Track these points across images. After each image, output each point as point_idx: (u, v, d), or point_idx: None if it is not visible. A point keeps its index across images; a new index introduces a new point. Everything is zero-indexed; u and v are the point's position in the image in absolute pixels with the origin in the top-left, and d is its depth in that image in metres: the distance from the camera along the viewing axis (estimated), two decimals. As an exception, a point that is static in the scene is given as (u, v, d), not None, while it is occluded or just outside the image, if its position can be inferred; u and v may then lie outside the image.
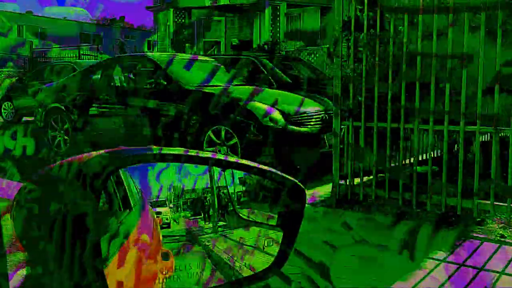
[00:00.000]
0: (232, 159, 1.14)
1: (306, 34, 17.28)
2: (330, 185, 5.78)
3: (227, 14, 19.08)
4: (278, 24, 16.09)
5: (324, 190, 5.77)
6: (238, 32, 19.04)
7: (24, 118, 14.20)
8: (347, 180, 5.16)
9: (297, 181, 1.08)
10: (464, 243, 4.03)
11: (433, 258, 3.70)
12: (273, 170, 1.07)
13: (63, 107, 8.27)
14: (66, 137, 8.23)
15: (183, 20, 18.27)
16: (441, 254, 3.77)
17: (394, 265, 3.63)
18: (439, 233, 4.23)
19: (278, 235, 1.10)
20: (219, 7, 17.73)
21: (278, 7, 15.99)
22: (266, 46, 14.90)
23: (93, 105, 7.89)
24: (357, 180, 5.16)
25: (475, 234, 4.20)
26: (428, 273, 3.43)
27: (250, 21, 18.89)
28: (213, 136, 6.51)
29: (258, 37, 18.09)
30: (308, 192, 5.65)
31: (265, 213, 1.19)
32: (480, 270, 3.49)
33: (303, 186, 1.08)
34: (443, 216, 4.49)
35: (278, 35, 16.00)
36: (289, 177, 1.07)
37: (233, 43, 18.51)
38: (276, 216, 1.14)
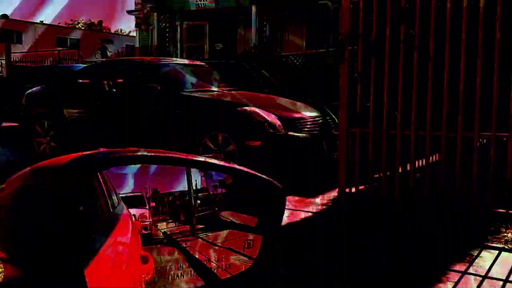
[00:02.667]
0: (210, 160, 1.13)
1: (291, 39, 17.19)
2: (332, 192, 5.65)
3: (211, 18, 18.89)
4: (264, 28, 15.98)
5: (326, 198, 5.62)
6: (221, 37, 18.87)
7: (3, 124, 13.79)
8: (353, 188, 5.01)
9: (276, 182, 1.07)
10: (481, 253, 3.91)
11: (453, 270, 3.56)
12: (252, 171, 1.06)
13: (49, 112, 7.98)
14: (52, 143, 7.94)
15: (166, 24, 18.02)
16: (461, 265, 3.64)
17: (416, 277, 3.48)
18: (454, 242, 4.11)
19: (258, 237, 1.11)
20: (203, 11, 17.54)
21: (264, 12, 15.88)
22: (253, 51, 14.78)
23: (82, 110, 7.63)
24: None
25: (490, 244, 4.08)
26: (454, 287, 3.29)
27: (234, 26, 18.75)
28: (209, 142, 6.31)
29: (243, 42, 17.94)
30: (310, 200, 5.51)
31: (245, 214, 1.19)
32: (506, 282, 3.36)
33: (281, 187, 1.06)
34: (457, 225, 4.37)
35: (264, 40, 15.89)
36: (267, 178, 1.06)
37: (217, 48, 18.34)
38: (255, 217, 1.14)
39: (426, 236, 4.22)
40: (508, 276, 3.46)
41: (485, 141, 5.29)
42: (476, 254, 3.86)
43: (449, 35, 4.34)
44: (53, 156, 0.90)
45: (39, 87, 8.79)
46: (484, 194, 4.41)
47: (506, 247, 4.01)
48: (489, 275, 3.49)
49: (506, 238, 4.18)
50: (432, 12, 4.38)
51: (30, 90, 8.74)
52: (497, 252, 3.90)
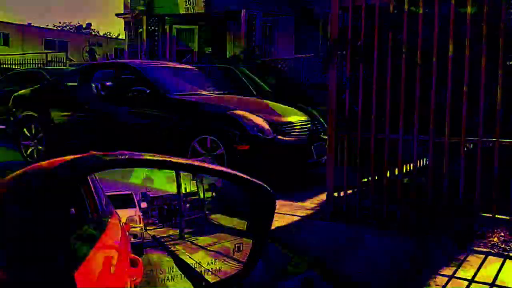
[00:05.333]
0: (201, 163, 1.12)
1: (280, 43, 17.25)
2: (320, 196, 5.66)
3: (200, 22, 18.90)
4: (253, 33, 16.02)
5: (315, 202, 5.64)
6: (211, 41, 18.87)
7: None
8: (341, 192, 5.03)
9: (265, 185, 1.06)
10: (468, 257, 3.94)
11: (441, 274, 3.59)
12: (243, 175, 1.06)
13: (36, 115, 7.93)
14: (40, 147, 7.88)
15: (156, 28, 18.00)
16: (448, 270, 3.66)
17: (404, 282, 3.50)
18: (441, 247, 4.13)
19: (248, 240, 1.10)
20: (193, 15, 17.54)
21: (254, 16, 15.93)
22: (242, 55, 14.80)
23: (70, 113, 7.58)
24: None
25: (477, 248, 4.11)
26: (442, 291, 3.32)
27: (224, 30, 18.76)
28: (198, 146, 6.31)
29: (232, 46, 17.96)
30: (299, 204, 5.52)
31: (235, 218, 1.18)
32: (492, 286, 3.39)
33: (271, 190, 1.06)
34: (443, 229, 4.39)
35: (253, 44, 15.93)
36: (258, 181, 1.06)
37: (206, 52, 18.34)
38: (246, 221, 1.14)
39: (413, 241, 4.24)
40: (494, 280, 3.49)
41: (472, 146, 5.35)
42: (463, 258, 3.88)
43: (437, 41, 4.38)
44: (42, 160, 0.90)
45: (26, 90, 8.73)
46: (472, 198, 4.43)
47: (492, 251, 4.04)
48: (476, 279, 3.52)
49: (493, 242, 4.21)
50: (420, 18, 4.42)
51: (18, 92, 8.67)
52: (483, 256, 3.93)
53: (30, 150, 7.99)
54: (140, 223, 1.12)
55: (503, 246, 4.15)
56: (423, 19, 4.42)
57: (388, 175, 4.84)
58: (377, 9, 4.62)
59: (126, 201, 1.12)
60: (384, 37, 4.61)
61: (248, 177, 1.09)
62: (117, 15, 24.18)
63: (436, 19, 4.35)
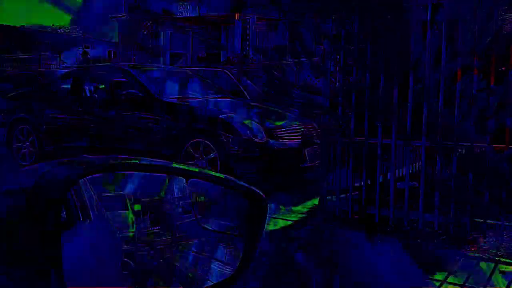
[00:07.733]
0: (193, 168, 1.16)
1: (274, 47, 17.26)
2: (313, 201, 5.67)
3: (194, 25, 18.92)
4: (247, 36, 16.05)
5: (307, 206, 5.64)
6: (205, 44, 18.88)
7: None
8: (334, 197, 5.03)
9: (258, 189, 1.06)
10: (460, 262, 3.95)
11: (433, 279, 3.60)
12: (235, 179, 1.07)
13: (28, 118, 7.90)
14: (32, 149, 7.85)
15: (150, 31, 17.99)
16: (440, 274, 3.67)
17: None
18: (433, 252, 4.15)
19: (240, 245, 1.10)
20: (187, 18, 17.56)
21: (248, 20, 15.97)
22: (236, 59, 14.81)
23: (63, 115, 7.55)
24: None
25: (469, 253, 4.13)
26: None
27: (218, 33, 18.78)
28: (191, 150, 6.30)
29: (226, 50, 17.97)
30: (292, 208, 5.52)
31: (227, 222, 1.18)
32: (484, 291, 3.41)
33: (264, 196, 1.06)
34: (435, 234, 4.41)
35: (247, 48, 15.96)
36: (250, 186, 1.07)
37: (200, 55, 18.34)
38: (237, 225, 1.14)
39: (405, 245, 4.26)
40: (486, 285, 3.50)
41: (464, 151, 5.37)
42: (454, 263, 3.90)
43: (430, 45, 4.41)
44: (34, 163, 0.90)
45: (19, 92, 8.69)
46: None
47: (484, 256, 4.05)
48: (468, 284, 3.53)
49: (484, 247, 4.23)
50: (413, 22, 4.44)
51: (10, 94, 8.64)
52: (475, 261, 3.95)
53: (22, 153, 7.95)
54: (132, 227, 1.12)
55: (494, 251, 4.16)
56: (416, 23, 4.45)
57: (380, 179, 4.85)
58: (372, 14, 4.64)
59: (118, 205, 1.12)
60: (378, 42, 4.63)
61: (241, 182, 1.10)
62: (112, 17, 24.14)
63: (429, 25, 4.38)
